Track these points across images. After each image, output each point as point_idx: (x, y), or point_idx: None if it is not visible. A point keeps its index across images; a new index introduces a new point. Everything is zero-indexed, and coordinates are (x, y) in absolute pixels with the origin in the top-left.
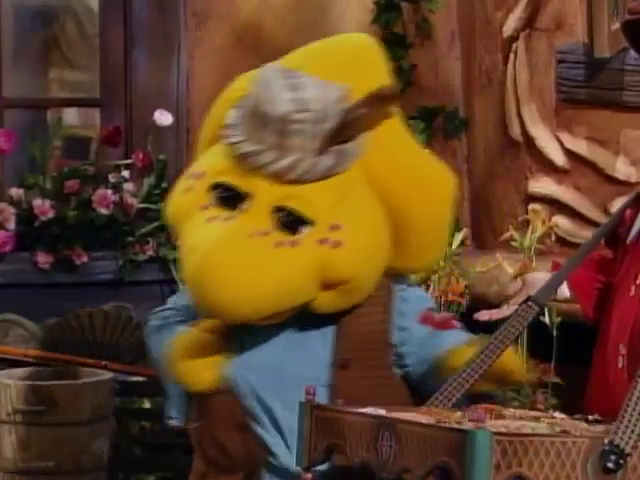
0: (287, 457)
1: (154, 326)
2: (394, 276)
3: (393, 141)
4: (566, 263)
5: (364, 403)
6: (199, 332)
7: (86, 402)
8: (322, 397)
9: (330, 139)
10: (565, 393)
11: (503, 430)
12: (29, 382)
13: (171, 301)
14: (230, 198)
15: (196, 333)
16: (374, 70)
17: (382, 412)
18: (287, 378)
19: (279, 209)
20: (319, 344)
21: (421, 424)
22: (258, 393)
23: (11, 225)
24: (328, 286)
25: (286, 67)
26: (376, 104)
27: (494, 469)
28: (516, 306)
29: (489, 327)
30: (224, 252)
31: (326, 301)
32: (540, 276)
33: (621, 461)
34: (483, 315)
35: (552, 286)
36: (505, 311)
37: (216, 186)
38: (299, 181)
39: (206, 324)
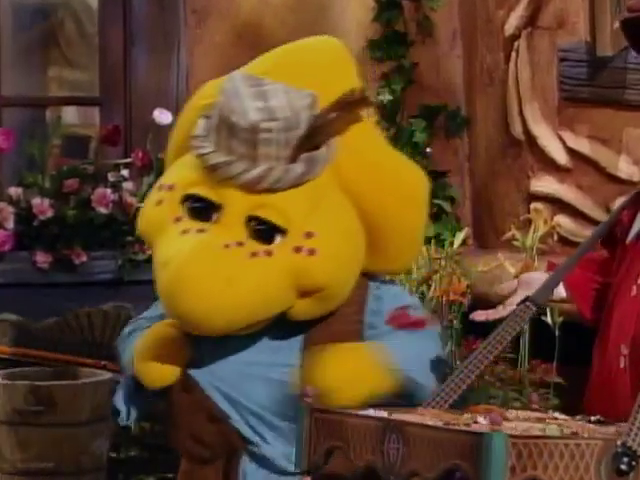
0: (266, 447)
1: (126, 332)
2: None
3: (363, 144)
4: (563, 263)
5: None
6: (162, 328)
7: (85, 402)
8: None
9: (300, 146)
10: (567, 393)
11: (515, 432)
12: (28, 382)
13: (147, 312)
14: (202, 209)
15: (159, 329)
16: (342, 74)
17: (384, 414)
18: (254, 379)
19: (252, 219)
20: (288, 345)
21: (430, 426)
22: (223, 390)
23: (10, 224)
24: (304, 294)
25: (252, 75)
26: (345, 109)
27: (509, 472)
28: (513, 306)
29: (488, 327)
30: (197, 264)
31: (303, 309)
32: (535, 276)
33: (633, 463)
34: (479, 315)
35: (550, 286)
36: (501, 311)
37: (187, 198)
38: (271, 190)
39: (170, 321)
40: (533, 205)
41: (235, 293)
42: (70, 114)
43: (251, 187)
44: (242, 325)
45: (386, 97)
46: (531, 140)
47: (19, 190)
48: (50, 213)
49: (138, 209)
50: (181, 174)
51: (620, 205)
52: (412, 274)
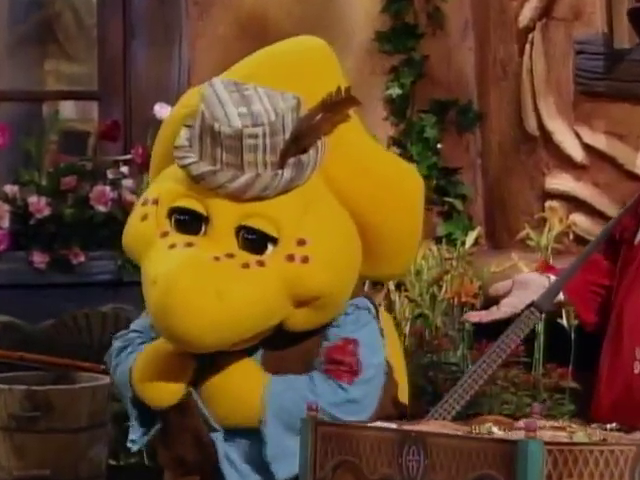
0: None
1: (117, 347)
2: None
3: (353, 146)
4: (568, 267)
5: None
6: (163, 345)
7: (84, 407)
8: None
9: (287, 151)
10: (583, 399)
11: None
12: (24, 387)
13: (135, 323)
14: (189, 222)
15: (160, 346)
16: (327, 74)
17: (393, 426)
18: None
19: (242, 229)
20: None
21: (455, 436)
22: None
23: (5, 223)
24: (301, 303)
25: (234, 80)
26: (331, 109)
27: None
28: (507, 308)
29: (500, 330)
30: (187, 280)
31: (300, 319)
32: (530, 277)
33: None
34: (473, 316)
35: (554, 291)
36: (495, 313)
37: (173, 211)
38: (259, 198)
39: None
40: (548, 203)
41: (227, 307)
42: (68, 109)
43: (239, 196)
44: (236, 340)
45: (395, 91)
46: (546, 136)
47: (15, 188)
48: (47, 212)
49: None
50: (165, 187)
51: (624, 209)
52: (422, 275)
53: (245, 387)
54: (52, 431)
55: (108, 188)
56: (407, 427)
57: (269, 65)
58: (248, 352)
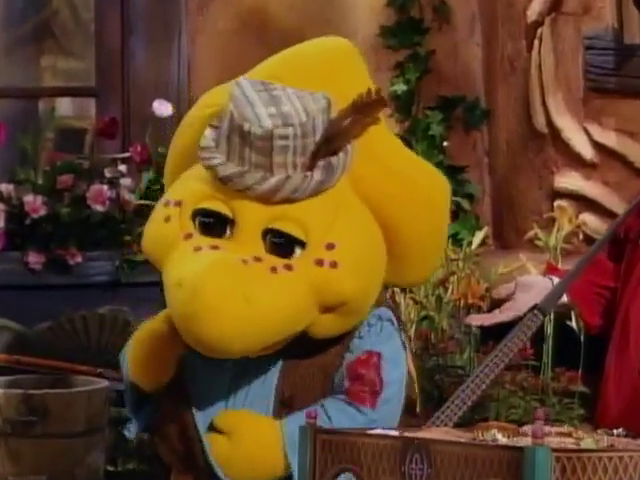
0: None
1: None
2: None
3: (382, 149)
4: (572, 268)
5: None
6: (151, 325)
7: (80, 412)
8: None
9: (317, 153)
10: (593, 403)
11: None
12: (19, 391)
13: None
14: (215, 224)
15: (148, 326)
16: (355, 75)
17: (395, 433)
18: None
19: (269, 232)
20: (265, 378)
21: (460, 443)
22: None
23: (0, 223)
24: (327, 309)
25: (261, 80)
26: (362, 111)
27: None
28: (511, 312)
29: (503, 333)
30: (214, 283)
31: (326, 325)
32: (533, 279)
33: None
34: (475, 320)
35: (558, 293)
36: (498, 316)
37: (198, 213)
38: (288, 200)
39: (164, 317)
40: (557, 202)
41: (255, 312)
42: (64, 105)
43: (267, 198)
44: (262, 346)
45: (400, 87)
46: (555, 133)
47: (10, 187)
48: (43, 211)
49: (136, 207)
50: (189, 188)
51: (627, 210)
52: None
53: (263, 448)
54: (48, 436)
55: (106, 187)
56: (409, 434)
57: (295, 67)
58: (268, 362)
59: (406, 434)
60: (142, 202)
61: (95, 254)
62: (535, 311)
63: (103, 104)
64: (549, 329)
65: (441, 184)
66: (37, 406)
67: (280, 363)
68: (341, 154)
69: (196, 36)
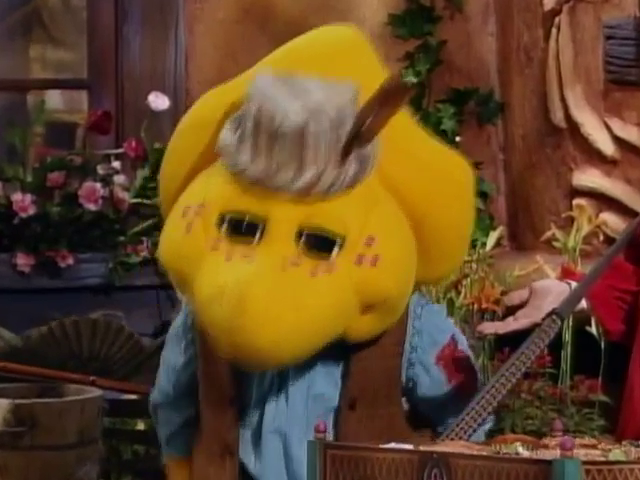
0: None
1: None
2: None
3: (408, 141)
4: (590, 271)
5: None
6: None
7: (72, 423)
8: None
9: (349, 145)
10: (614, 413)
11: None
12: (7, 400)
13: (168, 363)
14: (243, 229)
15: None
16: (369, 63)
17: (410, 447)
18: (292, 417)
19: (304, 232)
20: (325, 381)
21: (481, 457)
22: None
23: None
24: (367, 309)
25: (281, 74)
26: (388, 100)
27: None
28: (526, 319)
29: (523, 339)
30: (262, 294)
31: (366, 326)
32: (547, 283)
33: None
34: (488, 328)
35: (577, 297)
36: (512, 324)
37: (224, 217)
38: (323, 197)
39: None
40: (576, 201)
41: (304, 319)
42: (54, 98)
43: (302, 196)
44: (308, 354)
45: (410, 79)
46: (573, 128)
47: None
48: (32, 210)
49: (131, 205)
50: (212, 191)
51: None
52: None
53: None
54: (38, 448)
55: (98, 185)
56: (426, 448)
57: (303, 57)
58: (328, 368)
59: (423, 448)
60: (137, 200)
61: (87, 256)
62: (554, 317)
63: (95, 97)
64: (567, 335)
65: (469, 174)
66: (25, 416)
67: (340, 367)
68: (371, 145)
69: (194, 25)
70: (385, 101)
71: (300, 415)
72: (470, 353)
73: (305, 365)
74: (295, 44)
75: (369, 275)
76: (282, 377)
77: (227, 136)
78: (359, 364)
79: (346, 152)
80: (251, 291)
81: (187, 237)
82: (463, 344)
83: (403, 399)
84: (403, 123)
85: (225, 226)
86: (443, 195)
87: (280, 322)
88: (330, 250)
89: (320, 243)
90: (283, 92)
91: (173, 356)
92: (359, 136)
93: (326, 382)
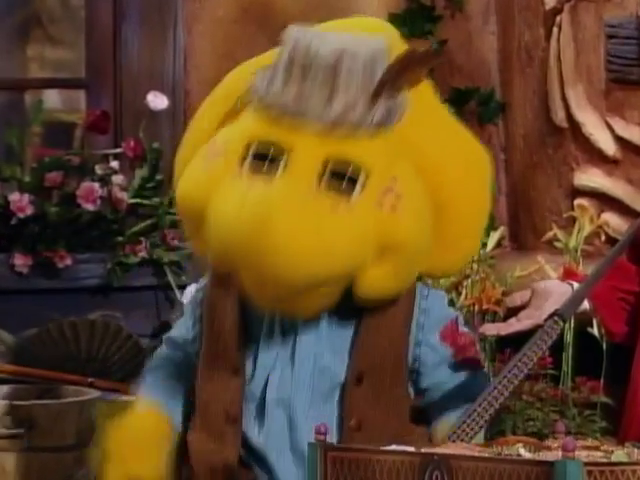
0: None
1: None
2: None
3: (430, 113)
4: (592, 272)
5: (375, 423)
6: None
7: (70, 425)
8: (333, 413)
9: (379, 90)
10: (615, 415)
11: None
12: (5, 402)
13: (174, 331)
14: (267, 161)
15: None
16: (399, 45)
17: (411, 449)
18: (297, 388)
19: (329, 167)
20: (332, 356)
21: (483, 458)
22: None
23: None
24: (384, 255)
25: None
26: (417, 60)
27: None
28: (528, 321)
29: (525, 340)
30: (282, 211)
31: (378, 278)
32: (549, 284)
33: None
34: (490, 329)
35: (579, 298)
36: (514, 325)
37: (247, 151)
38: (350, 133)
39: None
40: (577, 201)
41: (323, 243)
42: (52, 98)
43: (328, 131)
44: (322, 280)
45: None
46: (575, 128)
47: None
48: (30, 210)
49: (129, 206)
50: (234, 134)
51: None
52: (440, 279)
53: None
54: (35, 450)
55: (97, 185)
56: (427, 450)
57: (331, 28)
58: (336, 343)
59: (424, 450)
60: (135, 201)
61: (85, 256)
62: (556, 318)
63: (94, 96)
64: (569, 336)
65: (485, 158)
66: (23, 418)
67: (348, 341)
68: (399, 99)
69: (193, 24)
70: (413, 60)
71: (306, 386)
72: (473, 335)
73: (313, 337)
74: (331, 25)
75: (388, 219)
76: (288, 347)
77: (258, 76)
78: (367, 339)
79: (376, 96)
80: (272, 207)
81: (207, 169)
82: (465, 327)
83: (410, 390)
84: (430, 99)
85: (249, 159)
86: (472, 182)
87: (301, 242)
88: (352, 190)
89: (342, 182)
90: (318, 32)
91: (185, 328)
92: (387, 87)
93: (333, 356)
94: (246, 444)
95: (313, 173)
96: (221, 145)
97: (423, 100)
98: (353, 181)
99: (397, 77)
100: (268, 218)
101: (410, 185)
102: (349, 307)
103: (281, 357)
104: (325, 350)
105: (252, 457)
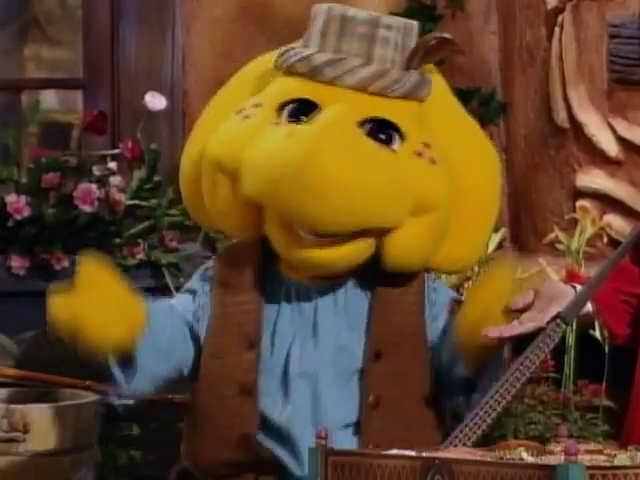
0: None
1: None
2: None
3: (451, 104)
4: (595, 274)
5: (393, 402)
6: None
7: (67, 428)
8: (353, 390)
9: (414, 56)
10: (618, 418)
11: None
12: (1, 405)
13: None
14: (306, 112)
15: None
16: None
17: (412, 453)
18: (321, 361)
19: (366, 122)
20: (349, 335)
21: (485, 462)
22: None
23: None
24: (418, 211)
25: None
26: (440, 43)
27: None
28: (531, 323)
29: (528, 341)
30: (333, 148)
31: (409, 234)
32: (552, 286)
33: None
34: (492, 332)
35: (582, 301)
36: (517, 328)
37: (284, 105)
38: (384, 93)
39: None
40: (579, 203)
41: (371, 180)
42: (49, 98)
43: (364, 86)
44: (364, 221)
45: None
46: (577, 128)
47: None
48: (27, 212)
49: (127, 207)
50: (269, 92)
51: None
52: (444, 275)
53: None
54: (32, 454)
55: (94, 186)
56: (428, 454)
57: None
58: (353, 321)
59: (425, 454)
60: (133, 202)
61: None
62: (558, 320)
63: (91, 97)
64: (571, 339)
65: (496, 157)
66: (19, 421)
67: (364, 318)
68: (427, 77)
69: (191, 24)
70: (441, 40)
71: (329, 362)
72: None
73: (331, 312)
74: None
75: (428, 170)
76: (308, 321)
77: (289, 45)
78: (382, 316)
79: (410, 61)
80: (321, 142)
81: (243, 124)
82: None
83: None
84: (451, 96)
85: (285, 113)
86: (492, 175)
87: (350, 177)
88: (391, 142)
89: (382, 134)
90: (353, 8)
91: (189, 301)
92: (420, 56)
93: (351, 334)
94: (264, 423)
95: (353, 122)
96: (257, 102)
97: (443, 92)
98: (394, 134)
99: (429, 51)
100: (317, 151)
101: (440, 154)
102: (364, 282)
103: (301, 331)
104: (343, 327)
105: (271, 435)
